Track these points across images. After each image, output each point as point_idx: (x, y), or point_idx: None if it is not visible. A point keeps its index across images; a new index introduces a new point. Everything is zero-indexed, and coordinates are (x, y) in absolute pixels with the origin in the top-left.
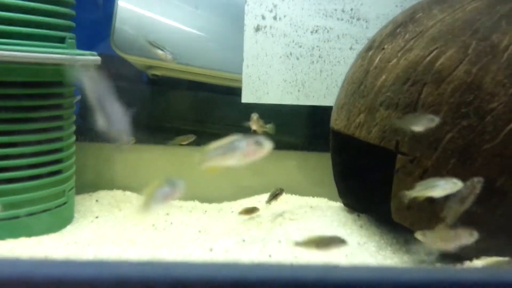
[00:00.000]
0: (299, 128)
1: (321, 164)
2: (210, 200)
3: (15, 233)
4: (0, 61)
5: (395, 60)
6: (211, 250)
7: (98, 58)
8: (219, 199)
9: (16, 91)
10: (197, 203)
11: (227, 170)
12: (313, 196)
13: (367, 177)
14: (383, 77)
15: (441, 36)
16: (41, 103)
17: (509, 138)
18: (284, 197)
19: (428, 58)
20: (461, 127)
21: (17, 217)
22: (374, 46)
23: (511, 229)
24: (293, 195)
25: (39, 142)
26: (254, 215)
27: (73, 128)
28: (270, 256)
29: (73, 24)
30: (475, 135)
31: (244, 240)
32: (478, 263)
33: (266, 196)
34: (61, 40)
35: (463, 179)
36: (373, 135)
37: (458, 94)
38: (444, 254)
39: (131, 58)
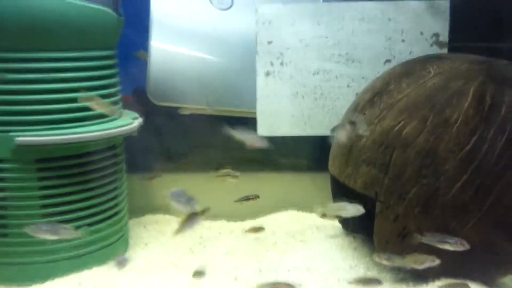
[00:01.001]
0: (310, 153)
1: (328, 183)
2: (235, 218)
3: (88, 265)
4: (68, 142)
5: (372, 126)
6: (235, 279)
7: (141, 120)
8: (242, 217)
9: (79, 160)
10: (224, 222)
11: (249, 191)
12: None
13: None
14: (364, 138)
15: (406, 109)
16: (99, 166)
17: (458, 193)
18: (297, 215)
19: (397, 127)
20: (422, 184)
21: (88, 253)
22: (358, 109)
23: (461, 258)
24: (304, 212)
25: (100, 195)
26: (259, 234)
27: (125, 175)
28: None
29: (120, 96)
30: (433, 190)
31: (260, 271)
32: (438, 283)
33: (281, 214)
34: None
35: (425, 224)
36: (358, 185)
37: (419, 157)
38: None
39: (166, 105)
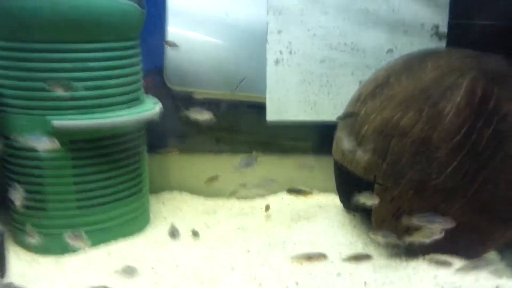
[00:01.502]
0: (314, 137)
1: (329, 165)
2: (245, 197)
3: (115, 237)
4: (99, 126)
5: (374, 115)
6: (248, 251)
7: (161, 105)
8: (252, 196)
9: (108, 141)
10: (235, 201)
11: (258, 172)
12: (324, 192)
13: (359, 188)
14: (366, 126)
15: (404, 101)
16: (125, 146)
17: (448, 179)
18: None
19: (395, 117)
20: (417, 169)
21: (115, 226)
22: (361, 99)
23: (448, 236)
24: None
25: (126, 173)
26: (267, 212)
27: (146, 154)
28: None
29: (142, 82)
30: (426, 175)
31: (270, 244)
32: (427, 257)
33: (287, 194)
34: (137, 98)
35: (418, 205)
36: (359, 169)
37: (415, 145)
38: (406, 250)
39: (182, 90)
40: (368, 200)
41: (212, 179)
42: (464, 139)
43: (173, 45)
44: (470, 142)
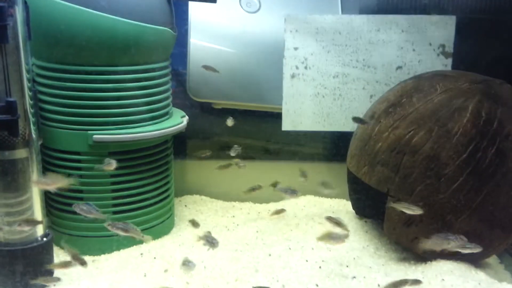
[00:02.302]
0: (327, 145)
1: (342, 172)
2: (260, 201)
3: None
4: (134, 139)
5: (387, 133)
6: (269, 255)
7: (187, 118)
8: (266, 200)
9: (141, 152)
10: (251, 204)
11: (272, 178)
12: (336, 198)
13: (370, 196)
14: (380, 144)
15: (416, 121)
16: (157, 157)
17: (454, 192)
18: (314, 199)
19: (407, 136)
20: (426, 184)
21: (147, 229)
22: (374, 117)
23: None
24: (321, 197)
25: (158, 181)
26: (281, 214)
27: (172, 161)
28: (307, 261)
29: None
30: (434, 189)
31: (290, 248)
32: (434, 262)
33: (301, 199)
34: (167, 113)
35: (427, 216)
36: (373, 182)
37: (425, 162)
38: (414, 254)
39: (205, 101)
40: (407, 209)
41: (225, 166)
42: (470, 157)
43: (213, 69)
44: (475, 160)
